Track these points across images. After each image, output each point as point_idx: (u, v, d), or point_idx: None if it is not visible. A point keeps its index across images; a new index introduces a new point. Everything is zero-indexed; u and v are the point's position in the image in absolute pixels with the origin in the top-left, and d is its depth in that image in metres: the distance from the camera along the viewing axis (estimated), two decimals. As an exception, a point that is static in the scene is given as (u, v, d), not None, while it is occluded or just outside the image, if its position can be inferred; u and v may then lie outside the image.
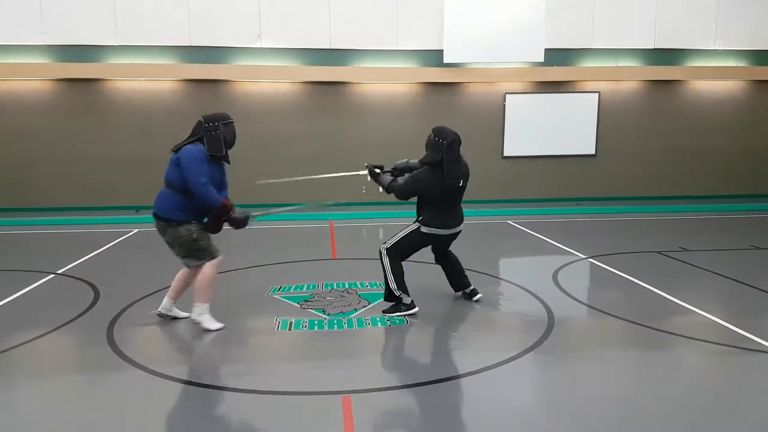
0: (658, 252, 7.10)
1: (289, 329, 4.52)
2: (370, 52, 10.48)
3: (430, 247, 5.07)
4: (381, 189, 5.16)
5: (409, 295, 4.83)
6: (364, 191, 10.86)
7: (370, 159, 10.73)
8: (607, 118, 11.12)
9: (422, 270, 6.40)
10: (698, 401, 3.41)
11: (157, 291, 5.52)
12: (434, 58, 10.43)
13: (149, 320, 4.75)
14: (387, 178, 5.09)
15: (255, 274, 6.31)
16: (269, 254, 7.19)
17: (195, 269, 4.49)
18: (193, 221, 4.32)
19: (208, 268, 4.41)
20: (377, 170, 5.20)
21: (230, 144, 4.45)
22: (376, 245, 8.42)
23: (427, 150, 4.98)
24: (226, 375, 3.74)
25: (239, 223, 4.36)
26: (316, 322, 4.66)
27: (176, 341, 4.44)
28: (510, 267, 7.15)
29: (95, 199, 10.33)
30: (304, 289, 5.60)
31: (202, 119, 4.34)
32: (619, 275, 6.05)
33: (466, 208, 11.59)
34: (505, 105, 10.89)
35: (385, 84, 10.67)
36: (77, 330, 4.52)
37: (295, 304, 5.12)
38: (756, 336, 4.25)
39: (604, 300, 5.21)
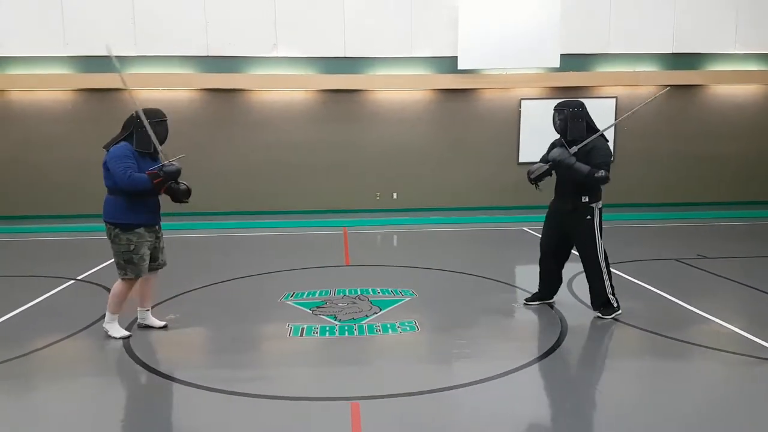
0: (676, 259, 6.97)
1: (301, 335, 4.53)
2: (384, 60, 10.53)
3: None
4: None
5: (616, 298, 4.88)
6: (378, 198, 10.94)
7: (383, 167, 10.84)
8: (625, 123, 10.98)
9: (434, 276, 6.39)
10: (717, 411, 3.33)
11: (174, 296, 5.60)
12: (448, 64, 10.43)
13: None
14: (581, 166, 4.71)
15: (268, 280, 6.35)
16: (283, 261, 7.23)
17: (148, 279, 4.51)
18: (142, 226, 4.26)
19: (121, 285, 4.34)
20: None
21: (162, 140, 4.31)
22: (389, 252, 8.53)
23: (564, 130, 4.85)
24: (237, 380, 3.76)
25: (175, 174, 4.19)
26: (327, 328, 4.67)
27: (190, 346, 4.49)
28: (525, 274, 7.07)
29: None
30: (317, 295, 5.62)
31: (134, 114, 4.21)
32: (636, 283, 5.96)
33: (480, 215, 11.57)
34: (520, 111, 10.84)
35: (399, 91, 10.70)
36: (95, 335, 4.59)
37: (307, 310, 5.14)
38: (775, 345, 4.15)
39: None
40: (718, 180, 11.29)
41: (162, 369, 3.92)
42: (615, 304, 4.86)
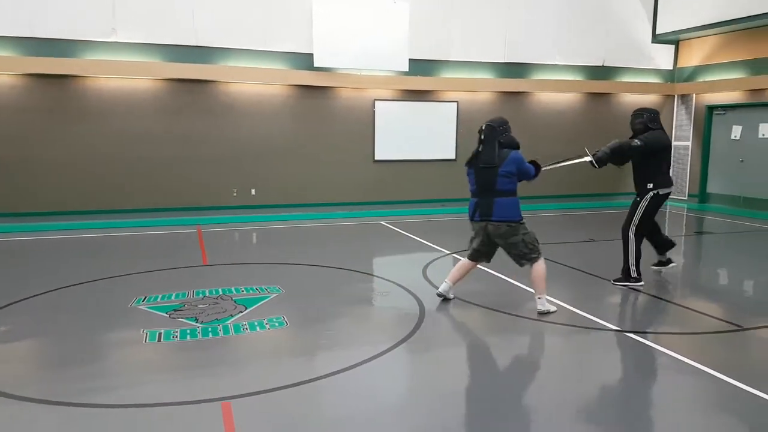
0: (513, 247, 7.80)
1: (159, 340, 4.31)
2: (239, 51, 10.24)
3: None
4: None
5: (639, 272, 5.77)
6: (235, 194, 10.62)
7: (240, 162, 10.55)
8: (465, 125, 11.94)
9: (299, 271, 6.44)
10: (550, 374, 3.87)
11: (6, 306, 4.96)
12: (305, 61, 10.47)
13: (-5, 340, 4.26)
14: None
15: (114, 284, 5.89)
16: (130, 263, 6.74)
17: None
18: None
19: (542, 263, 4.92)
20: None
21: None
22: (250, 249, 8.36)
23: (639, 130, 5.77)
24: (91, 391, 3.47)
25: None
26: (188, 331, 4.49)
27: (30, 359, 4.04)
28: (384, 265, 7.43)
29: None
30: (173, 298, 5.36)
31: (494, 125, 4.90)
32: (480, 268, 6.54)
33: (341, 211, 11.86)
34: (374, 111, 11.25)
35: (256, 84, 10.49)
36: None
37: (164, 314, 4.89)
38: (595, 316, 4.88)
39: (467, 291, 5.62)
40: (543, 175, 12.66)
41: (-3, 388, 3.47)
42: (634, 275, 5.75)
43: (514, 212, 4.86)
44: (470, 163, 5.01)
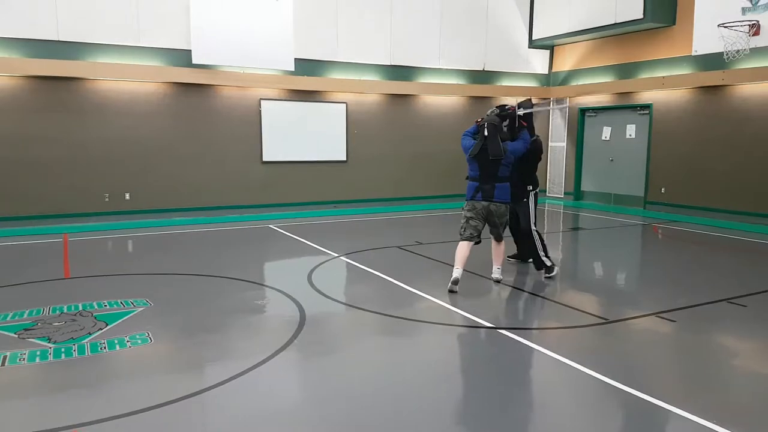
0: (399, 247, 7.89)
1: (3, 364, 3.84)
2: (108, 47, 9.48)
3: None
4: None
5: (550, 259, 6.31)
6: (107, 199, 9.82)
7: (112, 164, 9.78)
8: (355, 127, 11.95)
9: (174, 281, 6.04)
10: (425, 372, 3.89)
11: None
12: (182, 57, 9.92)
13: None
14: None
15: (-45, 305, 5.18)
16: (-23, 279, 5.98)
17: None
18: None
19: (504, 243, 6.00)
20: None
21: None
22: (120, 259, 7.72)
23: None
24: None
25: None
26: (37, 352, 4.03)
27: None
28: (268, 271, 7.19)
29: None
30: (25, 315, 4.81)
31: (495, 123, 5.69)
32: (366, 270, 6.55)
33: (227, 214, 11.45)
34: (260, 111, 10.91)
35: (128, 82, 9.77)
36: None
37: (12, 335, 4.37)
38: (473, 315, 4.99)
39: (352, 294, 5.59)
40: (429, 175, 12.89)
41: None
42: (548, 263, 6.26)
43: (507, 195, 5.80)
44: (476, 156, 5.67)
